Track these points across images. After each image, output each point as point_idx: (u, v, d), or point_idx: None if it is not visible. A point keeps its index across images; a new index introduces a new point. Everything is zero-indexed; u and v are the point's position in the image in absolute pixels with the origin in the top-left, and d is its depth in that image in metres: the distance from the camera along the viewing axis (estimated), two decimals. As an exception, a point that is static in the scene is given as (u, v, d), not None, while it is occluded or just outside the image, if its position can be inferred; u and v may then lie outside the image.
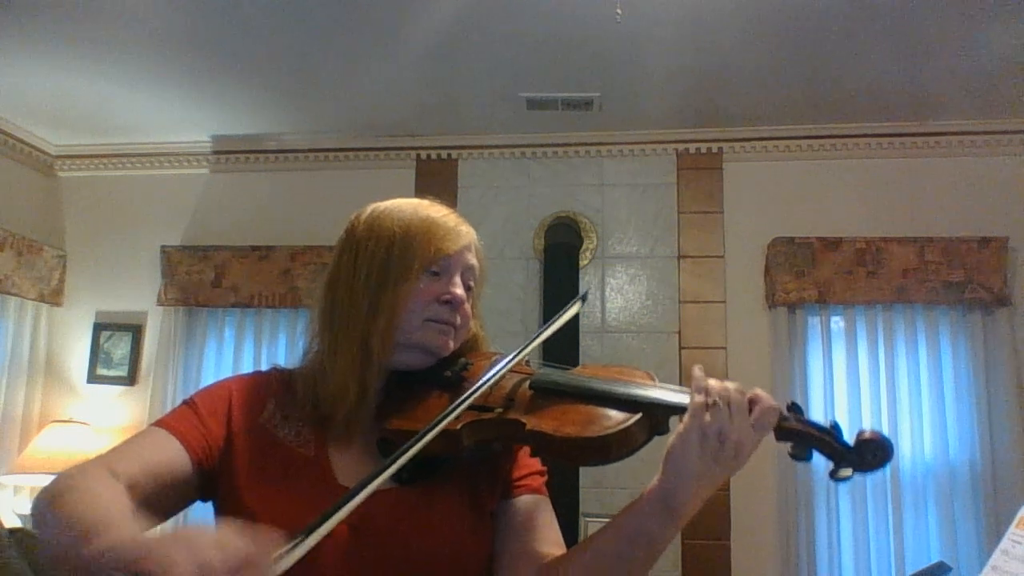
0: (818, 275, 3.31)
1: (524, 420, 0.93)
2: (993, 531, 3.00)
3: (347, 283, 1.04)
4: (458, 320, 1.05)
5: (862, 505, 3.15)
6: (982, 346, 3.19)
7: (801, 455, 0.86)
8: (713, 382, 0.85)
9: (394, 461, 0.83)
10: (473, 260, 1.09)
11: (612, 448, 0.88)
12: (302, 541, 0.73)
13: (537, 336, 1.05)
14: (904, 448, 3.18)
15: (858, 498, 3.15)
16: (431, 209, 1.08)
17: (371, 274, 1.02)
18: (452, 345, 1.06)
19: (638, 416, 0.88)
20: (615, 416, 0.89)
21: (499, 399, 0.97)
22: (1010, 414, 3.10)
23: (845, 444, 0.85)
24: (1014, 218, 3.30)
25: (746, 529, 3.26)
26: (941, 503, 3.12)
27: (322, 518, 0.76)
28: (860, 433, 0.85)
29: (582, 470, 3.20)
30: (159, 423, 0.99)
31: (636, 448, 0.89)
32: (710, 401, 0.83)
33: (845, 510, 3.18)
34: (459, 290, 1.05)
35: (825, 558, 3.14)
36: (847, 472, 0.85)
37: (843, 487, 3.18)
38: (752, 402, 0.85)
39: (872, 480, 3.16)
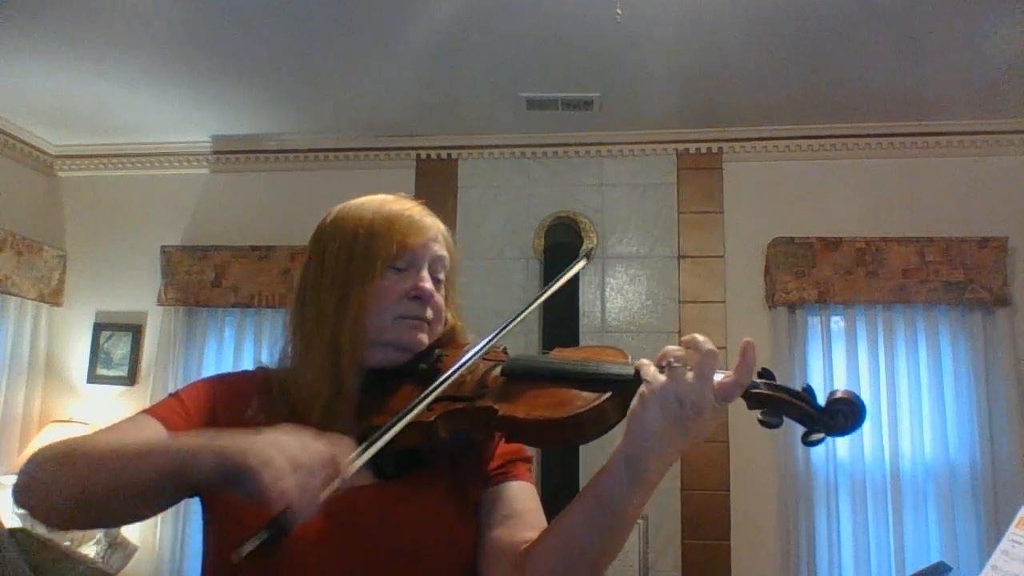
0: (818, 275, 3.31)
1: (496, 406, 0.93)
2: (993, 531, 3.00)
3: (315, 285, 1.04)
4: (429, 314, 1.04)
5: (862, 505, 3.15)
6: (982, 346, 3.20)
7: (772, 421, 0.85)
8: (671, 347, 0.84)
9: (378, 439, 0.85)
10: (442, 251, 1.07)
11: (585, 427, 0.88)
12: (367, 448, 0.83)
13: (514, 319, 1.02)
14: (904, 448, 3.18)
15: (858, 498, 3.15)
16: (394, 204, 1.07)
17: (336, 275, 1.02)
18: (426, 339, 1.05)
19: (608, 394, 0.88)
20: (586, 396, 0.89)
21: (471, 387, 0.97)
22: (1010, 414, 3.10)
23: (817, 406, 0.84)
24: (1014, 218, 3.30)
25: (746, 529, 3.27)
26: (941, 503, 3.12)
27: (370, 441, 0.84)
28: (832, 393, 0.84)
29: (581, 464, 3.21)
30: (146, 411, 0.99)
31: (610, 426, 0.89)
32: (664, 363, 0.83)
33: (845, 510, 3.18)
34: (427, 284, 1.03)
35: (825, 558, 3.14)
36: (819, 435, 0.83)
37: (843, 486, 3.19)
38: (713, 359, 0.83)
39: (872, 480, 3.17)
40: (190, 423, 0.98)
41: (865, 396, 3.20)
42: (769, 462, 3.23)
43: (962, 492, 3.11)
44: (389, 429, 0.87)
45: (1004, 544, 0.92)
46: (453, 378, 0.93)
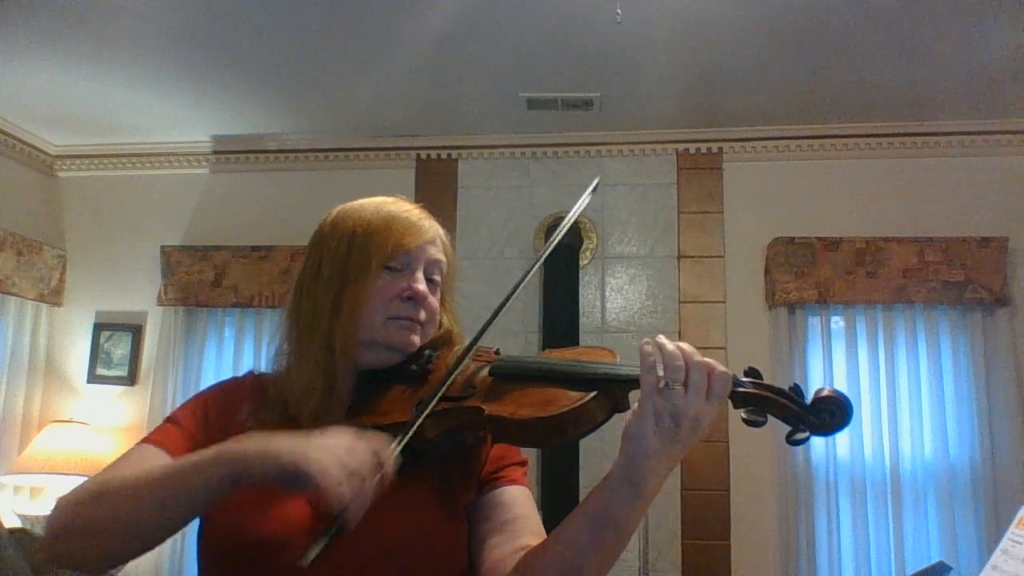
0: (818, 275, 3.31)
1: (483, 406, 0.93)
2: (993, 531, 3.00)
3: (311, 284, 1.05)
4: (422, 315, 1.05)
5: (862, 505, 3.15)
6: (982, 346, 3.19)
7: (756, 420, 0.83)
8: (669, 351, 0.82)
9: (406, 433, 0.89)
10: (438, 254, 1.08)
11: (569, 427, 0.88)
12: (400, 442, 0.87)
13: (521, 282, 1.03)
14: (904, 448, 3.17)
15: (858, 498, 3.15)
16: (393, 206, 1.08)
17: (332, 274, 1.04)
18: (418, 341, 1.05)
19: (594, 394, 0.88)
20: (572, 395, 0.88)
21: (459, 387, 0.97)
22: (1010, 414, 3.10)
23: (802, 405, 0.83)
24: (1014, 218, 3.30)
25: (746, 529, 3.26)
26: (941, 503, 3.12)
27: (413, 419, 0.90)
28: (818, 391, 0.82)
29: (582, 466, 3.21)
30: (146, 440, 1.00)
31: (596, 425, 0.89)
32: (661, 384, 0.81)
33: (845, 510, 3.17)
34: (421, 285, 1.04)
35: (825, 558, 3.14)
36: (803, 435, 0.82)
37: (843, 486, 3.18)
38: (707, 375, 0.82)
39: (872, 480, 3.17)
40: (189, 440, 0.99)
41: (865, 396, 3.21)
42: (769, 462, 3.23)
43: (962, 492, 3.11)
44: (415, 421, 0.90)
45: (1004, 544, 0.92)
46: (456, 373, 0.95)
